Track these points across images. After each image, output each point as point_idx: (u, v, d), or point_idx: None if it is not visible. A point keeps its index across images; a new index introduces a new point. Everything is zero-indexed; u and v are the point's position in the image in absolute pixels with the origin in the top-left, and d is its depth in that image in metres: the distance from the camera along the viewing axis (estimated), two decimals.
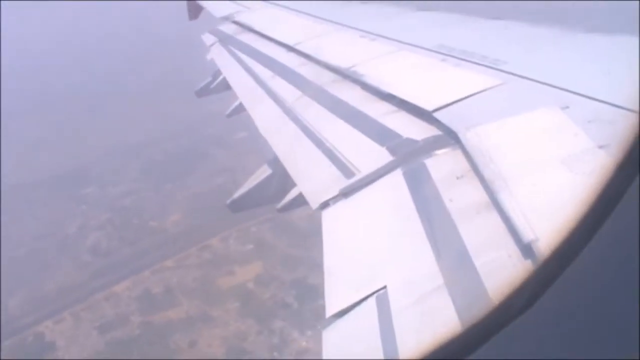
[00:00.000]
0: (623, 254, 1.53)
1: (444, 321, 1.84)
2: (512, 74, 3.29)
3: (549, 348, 1.51)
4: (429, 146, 2.95)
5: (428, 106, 3.23)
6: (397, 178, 2.87)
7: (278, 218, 21.69)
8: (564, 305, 1.54)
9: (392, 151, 3.07)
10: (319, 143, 3.66)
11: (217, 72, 6.66)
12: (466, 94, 3.19)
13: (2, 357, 19.24)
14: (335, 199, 3.00)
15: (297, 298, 19.68)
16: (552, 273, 1.47)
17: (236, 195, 4.72)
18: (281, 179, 4.14)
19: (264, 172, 4.56)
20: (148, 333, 19.64)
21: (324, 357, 2.10)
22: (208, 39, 7.21)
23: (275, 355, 17.80)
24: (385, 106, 3.64)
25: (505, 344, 1.54)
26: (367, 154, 3.22)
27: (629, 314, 1.49)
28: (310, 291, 19.42)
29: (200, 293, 21.10)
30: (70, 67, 47.30)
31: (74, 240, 25.91)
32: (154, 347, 18.80)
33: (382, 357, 1.89)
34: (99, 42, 50.08)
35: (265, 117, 4.60)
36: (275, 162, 4.22)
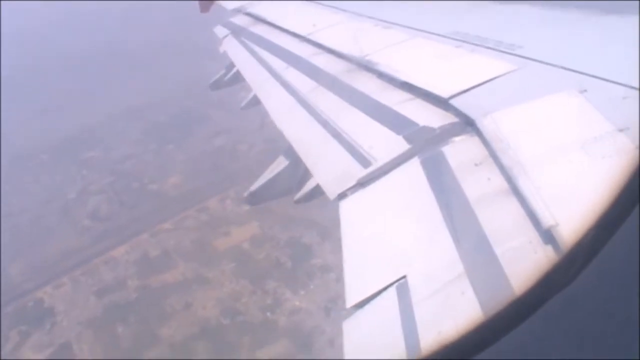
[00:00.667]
0: (623, 254, 1.57)
1: (466, 311, 1.83)
2: (528, 58, 3.25)
3: (549, 348, 1.56)
4: (446, 134, 2.93)
5: (444, 93, 3.21)
6: (414, 166, 2.87)
7: None
8: (564, 305, 1.58)
9: (408, 139, 3.06)
10: (334, 133, 3.65)
11: (231, 65, 6.64)
12: (482, 80, 3.16)
13: (3, 322, 19.73)
14: (353, 189, 3.00)
15: (292, 257, 20.00)
16: (580, 259, 1.46)
17: (253, 187, 4.73)
18: (298, 171, 4.14)
19: (281, 163, 4.55)
20: (144, 296, 20.05)
21: (344, 350, 2.10)
22: (220, 31, 7.20)
23: (268, 315, 18.03)
24: (401, 94, 3.61)
25: (506, 344, 1.57)
26: (384, 143, 3.21)
27: (629, 314, 1.52)
28: (304, 250, 19.77)
29: (197, 255, 21.44)
30: (72, 33, 47.45)
31: (75, 205, 26.34)
32: (150, 310, 19.19)
33: (404, 349, 1.89)
34: (101, 12, 50.09)
35: (279, 108, 4.60)
36: (291, 154, 4.21)
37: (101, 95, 35.81)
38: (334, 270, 18.03)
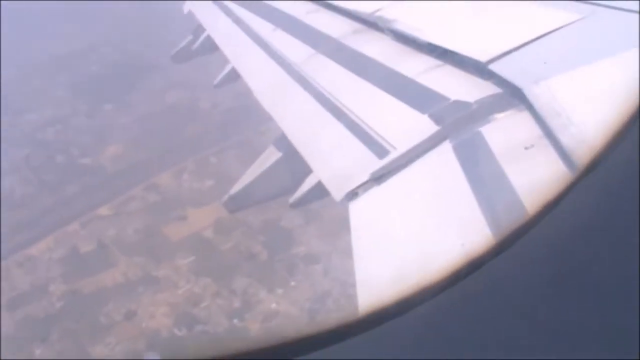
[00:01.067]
0: (623, 254, 1.83)
1: None
2: (595, 3, 3.23)
3: (548, 348, 1.83)
4: (486, 109, 2.92)
5: (481, 56, 3.20)
6: (444, 154, 2.87)
7: (246, 143, 21.90)
8: (564, 305, 1.86)
9: (436, 119, 3.05)
10: (339, 114, 3.65)
11: (199, 29, 6.65)
12: (533, 37, 3.15)
13: None
14: (365, 186, 3.00)
15: (267, 246, 19.64)
16: None
17: (235, 189, 4.72)
18: (293, 165, 4.13)
19: (271, 156, 4.55)
20: (73, 305, 19.64)
21: None
22: None
23: (236, 322, 17.91)
24: (425, 60, 3.61)
25: (504, 344, 1.83)
26: (404, 125, 3.20)
27: (629, 314, 1.79)
28: (283, 236, 19.53)
29: (143, 248, 21.01)
30: None
31: None
32: (80, 323, 18.88)
33: None
34: None
35: (266, 84, 4.60)
36: (283, 143, 4.23)
37: (12, 41, 35.01)
38: (321, 261, 17.92)
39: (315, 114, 3.85)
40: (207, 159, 23.36)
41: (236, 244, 20.20)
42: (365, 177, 3.03)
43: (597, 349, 1.81)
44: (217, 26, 5.97)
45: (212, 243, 20.54)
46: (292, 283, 18.16)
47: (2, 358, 18.17)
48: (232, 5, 5.97)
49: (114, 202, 23.26)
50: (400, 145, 3.08)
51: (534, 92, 2.75)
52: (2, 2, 30.24)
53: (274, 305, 17.81)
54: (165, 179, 23.73)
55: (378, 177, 2.99)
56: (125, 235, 21.77)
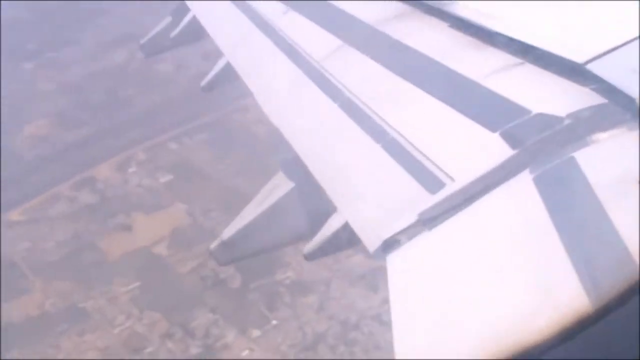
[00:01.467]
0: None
1: None
2: None
3: (547, 348, 2.20)
4: (583, 126, 2.91)
5: (577, 55, 3.20)
6: (523, 188, 2.84)
7: (219, 124, 21.84)
8: None
9: (512, 139, 3.05)
10: (376, 131, 3.66)
11: (181, 9, 6.74)
12: None
13: None
14: (411, 231, 2.99)
15: (241, 270, 19.47)
16: None
17: (228, 232, 4.74)
18: (309, 200, 4.13)
19: (279, 187, 4.57)
20: None
21: None
22: None
23: None
24: (496, 57, 3.63)
25: None
26: (466, 148, 3.22)
27: (629, 314, 2.16)
28: (264, 256, 19.28)
29: (69, 268, 20.95)
30: None
31: None
32: None
33: None
34: None
35: (275, 87, 4.65)
36: (296, 170, 4.23)
37: None
38: (315, 291, 17.85)
39: (341, 130, 3.88)
40: (165, 145, 23.42)
41: (199, 265, 20.12)
42: (411, 219, 3.01)
43: (597, 349, 2.15)
44: (207, 6, 6.03)
45: (165, 263, 20.49)
46: (274, 322, 18.21)
47: (2, 358, 18.36)
48: None
49: (31, 202, 23.17)
50: (459, 175, 3.07)
51: None
52: None
53: (245, 353, 17.79)
54: (104, 171, 23.71)
55: (429, 219, 2.98)
56: (44, 249, 21.68)
